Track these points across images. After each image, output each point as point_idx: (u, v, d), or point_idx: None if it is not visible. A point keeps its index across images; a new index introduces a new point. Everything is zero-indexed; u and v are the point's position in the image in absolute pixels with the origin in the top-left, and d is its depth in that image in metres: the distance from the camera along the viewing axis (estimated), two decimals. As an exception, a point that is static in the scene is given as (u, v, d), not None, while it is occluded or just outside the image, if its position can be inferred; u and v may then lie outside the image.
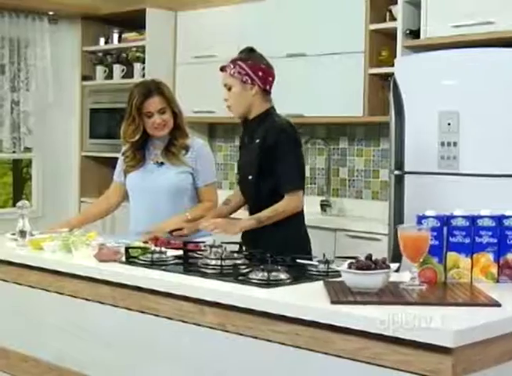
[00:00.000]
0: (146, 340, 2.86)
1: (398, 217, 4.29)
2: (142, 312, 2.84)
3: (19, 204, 3.49)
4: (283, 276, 2.68)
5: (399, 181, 4.29)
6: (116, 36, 6.47)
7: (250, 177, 3.59)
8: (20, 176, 6.98)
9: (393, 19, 4.93)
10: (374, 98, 5.04)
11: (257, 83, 3.56)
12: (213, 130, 6.45)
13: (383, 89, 5.07)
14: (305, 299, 2.43)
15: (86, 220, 4.04)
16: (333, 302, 2.33)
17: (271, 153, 3.49)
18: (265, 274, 2.65)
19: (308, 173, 5.74)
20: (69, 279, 3.14)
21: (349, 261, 2.54)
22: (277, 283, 2.62)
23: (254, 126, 3.61)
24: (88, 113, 6.59)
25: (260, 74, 3.58)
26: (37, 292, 3.30)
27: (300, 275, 2.76)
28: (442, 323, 2.11)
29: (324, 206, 5.51)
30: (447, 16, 4.35)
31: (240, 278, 2.70)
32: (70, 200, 6.65)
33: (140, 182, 3.83)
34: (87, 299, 3.07)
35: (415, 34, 4.58)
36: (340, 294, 2.43)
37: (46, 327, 3.29)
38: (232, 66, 3.57)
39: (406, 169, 4.26)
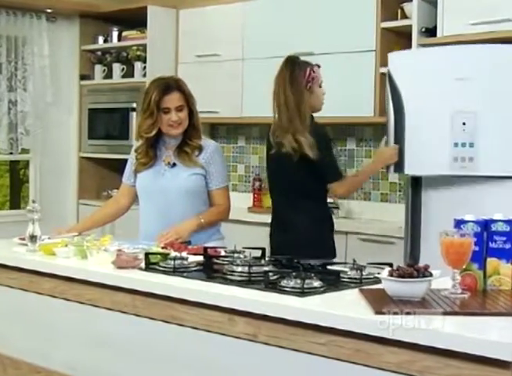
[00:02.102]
0: (170, 351, 2.73)
1: (414, 220, 4.18)
2: (167, 321, 2.70)
3: (29, 207, 3.34)
4: (316, 283, 2.55)
5: (416, 183, 4.17)
6: (115, 34, 6.34)
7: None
8: (17, 178, 6.83)
9: (405, 17, 4.83)
10: (385, 97, 4.90)
11: None
12: (215, 130, 6.32)
13: (394, 89, 4.95)
14: (345, 309, 2.31)
15: (94, 224, 3.90)
16: (377, 312, 2.21)
17: None
18: (298, 282, 2.53)
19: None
20: (85, 286, 2.99)
21: (388, 268, 2.43)
22: (311, 291, 2.50)
23: None
24: (87, 114, 6.45)
25: None
26: (50, 300, 3.15)
27: (333, 282, 2.64)
28: (500, 336, 2.00)
29: (332, 208, 5.38)
30: (465, 13, 4.24)
31: (271, 286, 2.57)
32: (69, 202, 6.50)
33: (151, 184, 3.70)
34: (105, 308, 2.93)
35: (430, 32, 4.47)
36: (382, 303, 2.31)
37: (60, 337, 3.15)
38: None
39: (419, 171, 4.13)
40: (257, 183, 5.84)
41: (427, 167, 3.99)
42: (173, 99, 3.61)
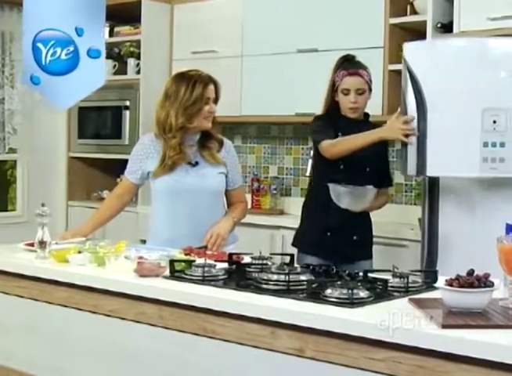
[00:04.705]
0: (204, 366, 2.54)
1: (431, 223, 4.02)
2: (199, 334, 2.52)
3: (38, 211, 3.12)
4: (362, 293, 2.38)
5: (434, 184, 4.01)
6: (107, 30, 6.09)
7: (367, 169, 3.81)
8: (4, 179, 6.57)
9: (414, 12, 4.68)
10: (393, 96, 4.76)
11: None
12: (210, 129, 6.12)
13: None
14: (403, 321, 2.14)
15: (98, 225, 3.71)
16: (444, 326, 2.05)
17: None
18: (344, 291, 2.35)
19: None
20: (104, 296, 2.79)
21: (445, 277, 2.27)
22: (360, 301, 2.33)
23: (361, 125, 3.80)
24: (77, 112, 6.19)
25: None
26: (64, 311, 2.94)
27: (379, 291, 2.47)
28: None
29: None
30: (482, 7, 4.09)
31: (314, 296, 2.40)
32: (57, 203, 6.25)
33: (177, 184, 3.51)
34: (127, 319, 2.73)
35: (445, 28, 4.33)
36: (442, 315, 2.14)
37: (76, 351, 2.94)
38: (366, 74, 3.80)
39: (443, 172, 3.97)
40: (255, 184, 5.66)
41: (453, 168, 3.72)
42: (211, 91, 3.56)
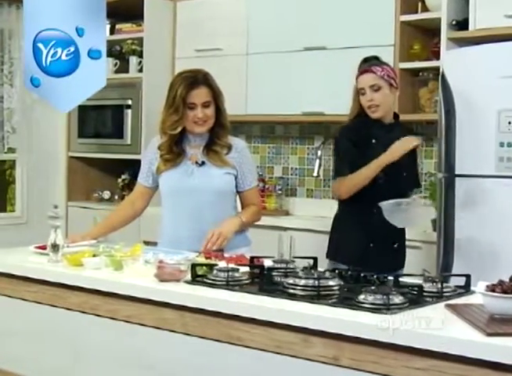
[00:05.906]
0: (230, 375, 2.44)
1: (447, 224, 3.94)
2: (225, 342, 2.41)
3: (50, 213, 3.02)
4: (397, 299, 2.29)
5: (449, 184, 3.93)
6: (108, 27, 5.99)
7: (404, 174, 3.72)
8: (3, 179, 6.45)
9: (426, 9, 4.60)
10: (404, 95, 4.68)
11: (397, 87, 3.72)
12: (212, 129, 6.02)
13: (413, 85, 4.73)
14: (445, 329, 2.05)
15: (110, 229, 3.60)
16: (489, 334, 1.96)
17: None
18: (379, 297, 2.26)
19: (321, 175, 5.38)
20: (121, 301, 2.69)
21: (485, 282, 2.18)
22: (396, 307, 2.23)
23: (392, 128, 3.71)
24: (76, 111, 6.05)
25: (397, 79, 3.74)
26: (80, 316, 2.83)
27: (412, 297, 2.38)
28: None
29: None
30: (499, 4, 4.02)
31: (347, 302, 2.30)
32: (57, 204, 6.13)
33: (180, 183, 3.43)
34: (147, 326, 2.62)
35: (460, 25, 4.24)
36: (485, 322, 2.06)
37: (91, 358, 2.83)
38: (380, 70, 3.64)
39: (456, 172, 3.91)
40: (260, 184, 5.55)
41: (473, 167, 3.79)
42: (200, 95, 3.39)
